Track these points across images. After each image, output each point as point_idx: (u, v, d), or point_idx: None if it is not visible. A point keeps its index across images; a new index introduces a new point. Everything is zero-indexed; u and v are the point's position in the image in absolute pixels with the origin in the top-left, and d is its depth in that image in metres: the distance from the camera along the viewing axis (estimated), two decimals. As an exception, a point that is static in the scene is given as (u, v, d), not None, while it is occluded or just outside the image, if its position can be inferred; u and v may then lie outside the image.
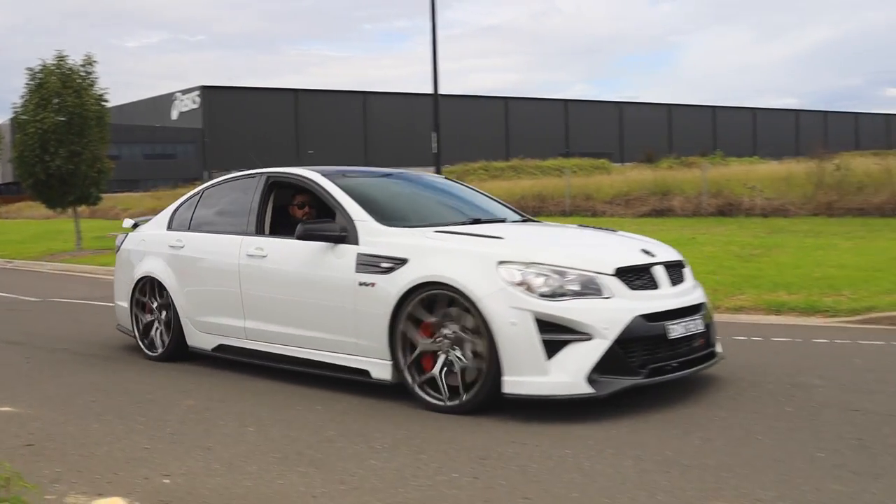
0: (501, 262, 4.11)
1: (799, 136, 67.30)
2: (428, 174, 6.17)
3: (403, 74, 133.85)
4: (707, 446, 3.58)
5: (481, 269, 4.12)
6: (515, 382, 3.94)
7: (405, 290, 4.30)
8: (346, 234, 4.75)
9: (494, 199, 5.98)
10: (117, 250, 6.70)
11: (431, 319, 4.25)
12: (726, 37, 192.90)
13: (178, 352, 5.90)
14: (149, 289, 6.10)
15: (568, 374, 3.90)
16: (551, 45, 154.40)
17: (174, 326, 5.87)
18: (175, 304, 5.83)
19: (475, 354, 4.10)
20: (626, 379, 3.99)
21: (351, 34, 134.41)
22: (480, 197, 5.96)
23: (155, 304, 6.05)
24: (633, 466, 3.33)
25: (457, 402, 4.17)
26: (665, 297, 4.30)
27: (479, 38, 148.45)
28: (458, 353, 4.16)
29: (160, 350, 6.01)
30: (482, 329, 4.02)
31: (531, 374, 3.92)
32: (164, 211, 6.46)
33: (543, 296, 3.99)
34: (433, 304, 4.26)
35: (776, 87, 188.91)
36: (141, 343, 6.18)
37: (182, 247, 5.89)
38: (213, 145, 55.76)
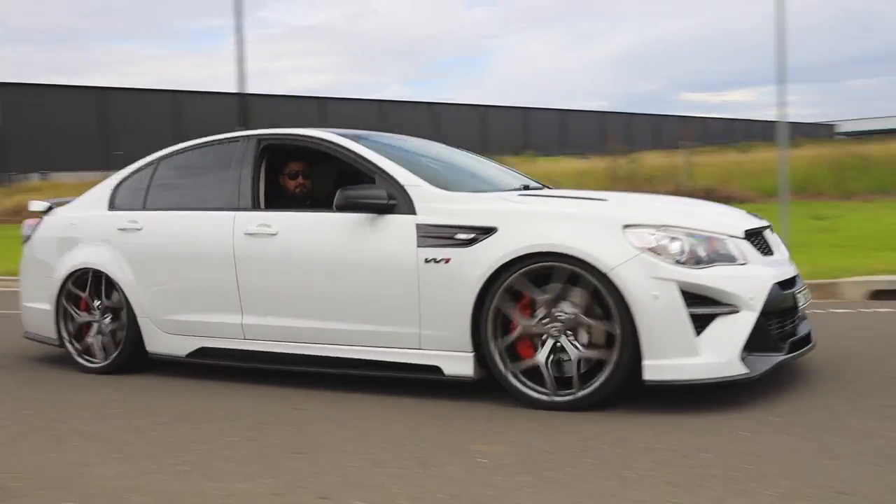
0: (628, 226, 3.48)
1: (604, 135, 71.44)
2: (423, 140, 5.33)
3: (219, 74, 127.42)
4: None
5: (605, 234, 3.48)
6: (658, 367, 3.34)
7: (501, 263, 3.57)
8: (395, 202, 3.93)
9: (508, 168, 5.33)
10: (26, 240, 5.31)
11: (537, 297, 3.56)
12: (538, 41, 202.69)
13: (132, 360, 4.74)
14: (88, 284, 4.86)
15: (720, 353, 3.35)
16: (368, 47, 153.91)
17: (129, 329, 4.70)
18: (130, 300, 4.67)
19: (599, 337, 3.47)
20: (774, 356, 3.49)
21: (162, 32, 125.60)
22: (494, 165, 5.28)
23: (97, 303, 4.82)
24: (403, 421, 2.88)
25: (569, 396, 3.50)
26: (780, 263, 3.89)
27: (296, 38, 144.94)
28: (572, 338, 3.51)
29: (103, 359, 4.81)
30: (613, 305, 3.38)
31: (678, 355, 3.33)
32: (97, 188, 5.19)
33: (680, 263, 3.42)
34: (536, 279, 3.57)
35: (584, 90, 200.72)
36: (74, 352, 4.92)
37: (139, 229, 4.72)
38: (13, 145, 49.83)
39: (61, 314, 4.94)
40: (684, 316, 3.34)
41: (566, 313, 3.51)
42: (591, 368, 3.50)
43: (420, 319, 3.80)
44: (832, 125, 66.28)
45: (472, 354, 3.69)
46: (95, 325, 4.88)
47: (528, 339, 3.60)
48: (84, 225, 4.99)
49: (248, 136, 4.65)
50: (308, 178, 4.72)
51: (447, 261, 3.72)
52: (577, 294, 3.49)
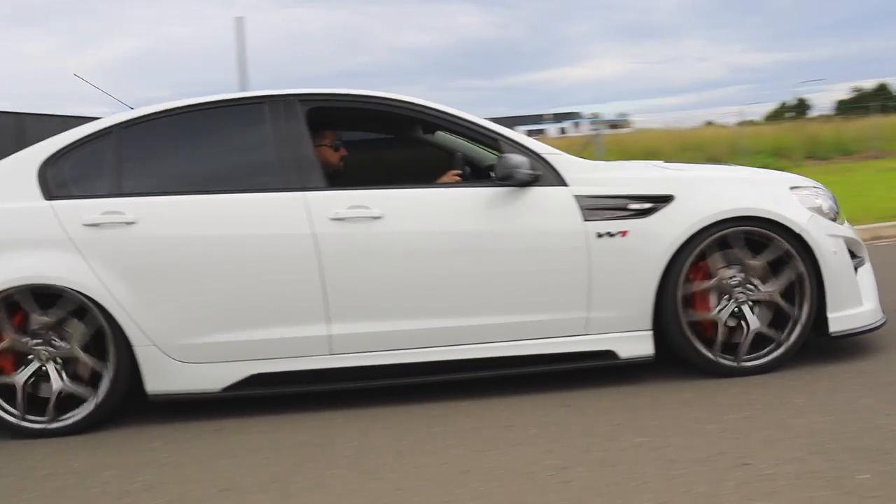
0: (794, 188, 3.56)
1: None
2: None
3: None
4: None
5: (780, 196, 3.49)
6: (839, 319, 3.46)
7: (692, 231, 3.37)
8: (540, 173, 3.42)
9: None
10: None
11: (719, 265, 3.45)
12: (34, 41, 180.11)
13: (112, 408, 3.36)
14: (29, 307, 3.28)
15: (871, 300, 3.60)
16: None
17: (118, 365, 3.30)
18: (121, 324, 3.28)
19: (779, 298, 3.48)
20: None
21: None
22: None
23: (51, 338, 3.32)
24: None
25: (770, 356, 3.45)
26: None
27: None
28: (747, 301, 3.47)
29: (57, 417, 3.34)
30: (803, 265, 3.44)
31: (850, 306, 3.49)
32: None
33: (832, 220, 3.60)
34: (722, 245, 3.45)
35: (88, 96, 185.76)
36: (7, 413, 3.30)
37: (130, 223, 3.31)
38: None
39: None
40: (852, 269, 3.56)
41: (739, 276, 3.46)
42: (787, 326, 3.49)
43: (589, 301, 3.39)
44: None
45: (650, 332, 3.44)
46: (45, 369, 3.32)
47: (706, 307, 3.48)
48: (6, 221, 3.32)
49: (281, 96, 3.54)
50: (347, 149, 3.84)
51: (624, 234, 3.38)
52: (762, 256, 3.46)
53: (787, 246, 3.41)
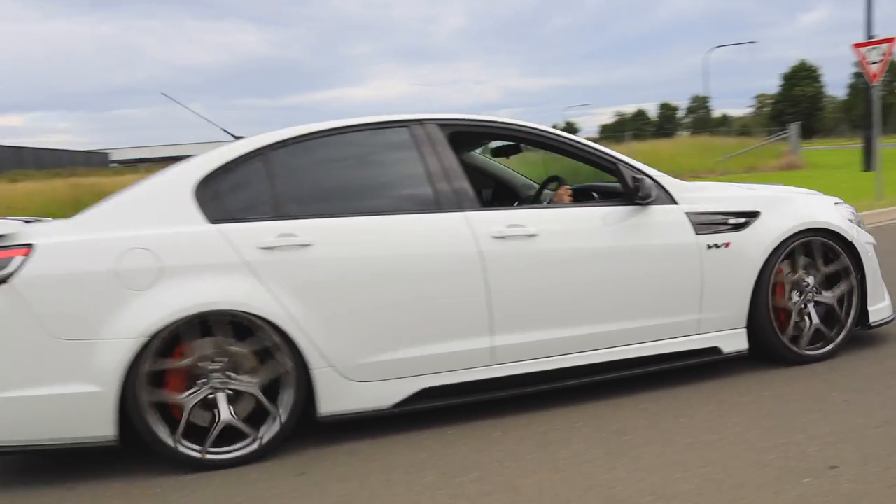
0: (837, 203, 4.31)
1: None
2: None
3: None
4: None
5: (831, 210, 4.22)
6: (875, 311, 4.25)
7: (779, 241, 3.98)
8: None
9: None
10: (5, 278, 3.04)
11: (797, 271, 4.10)
12: None
13: (286, 433, 3.35)
14: (213, 334, 3.18)
15: (887, 297, 4.46)
16: None
17: (298, 389, 3.29)
18: (301, 347, 3.27)
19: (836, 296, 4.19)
20: None
21: None
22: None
23: (225, 364, 3.26)
24: None
25: (826, 348, 4.13)
26: None
27: None
28: (813, 297, 4.16)
29: (253, 441, 3.29)
30: (853, 269, 4.17)
31: (879, 300, 4.31)
32: (146, 194, 3.39)
33: (860, 229, 4.39)
34: (793, 253, 4.10)
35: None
36: (188, 448, 3.17)
37: (305, 245, 3.30)
38: None
39: (140, 391, 3.09)
40: (879, 269, 4.38)
41: (810, 278, 4.14)
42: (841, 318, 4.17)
43: (701, 304, 3.89)
44: (106, 153, 66.12)
45: (745, 329, 4.00)
46: (212, 397, 3.23)
47: (782, 309, 4.10)
48: (171, 248, 3.17)
49: (416, 120, 3.72)
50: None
51: (727, 245, 3.92)
52: (817, 263, 4.15)
53: (841, 252, 4.14)
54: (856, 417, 3.30)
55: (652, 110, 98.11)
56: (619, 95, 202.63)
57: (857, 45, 12.49)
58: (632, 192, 3.79)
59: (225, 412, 3.25)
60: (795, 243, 4.04)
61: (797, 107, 51.46)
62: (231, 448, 3.25)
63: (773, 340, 4.01)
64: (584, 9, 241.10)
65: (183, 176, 3.37)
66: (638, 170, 3.89)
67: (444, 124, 3.74)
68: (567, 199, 4.13)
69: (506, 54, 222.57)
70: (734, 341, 3.97)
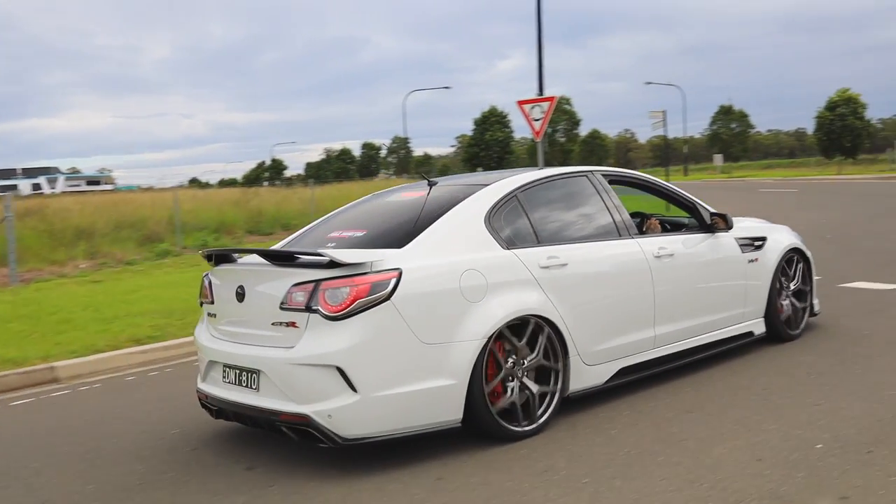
0: (791, 230, 6.29)
1: None
2: None
3: None
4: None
5: (794, 236, 6.19)
6: (816, 303, 6.29)
7: (780, 256, 5.84)
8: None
9: None
10: (387, 297, 3.70)
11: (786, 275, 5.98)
12: None
13: (557, 410, 4.38)
14: (521, 335, 4.15)
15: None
16: None
17: (564, 375, 4.34)
18: (566, 341, 4.34)
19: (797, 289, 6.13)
20: None
21: None
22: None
23: (528, 356, 4.22)
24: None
25: (803, 324, 6.02)
26: None
27: None
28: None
29: (533, 420, 4.21)
30: (806, 272, 6.16)
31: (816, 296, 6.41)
32: (450, 225, 4.20)
33: None
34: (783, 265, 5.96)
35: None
36: (500, 422, 4.06)
37: (564, 265, 4.37)
38: None
39: (479, 383, 3.94)
40: None
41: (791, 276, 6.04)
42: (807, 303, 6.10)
43: (745, 300, 5.59)
44: None
45: (763, 318, 5.78)
46: (515, 383, 4.14)
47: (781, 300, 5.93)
48: (491, 270, 4.05)
49: (586, 171, 5.06)
50: None
51: (756, 260, 5.69)
52: (790, 271, 6.06)
53: (803, 261, 6.14)
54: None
55: (356, 149, 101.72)
56: (329, 132, 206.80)
57: (521, 103, 12.80)
58: (708, 226, 5.42)
59: (535, 389, 4.19)
60: (784, 258, 5.94)
61: (489, 150, 56.27)
62: (524, 423, 4.15)
63: (778, 325, 5.84)
64: (293, 46, 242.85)
65: (474, 211, 4.28)
66: (708, 209, 5.50)
67: (604, 174, 5.10)
68: (657, 228, 5.58)
69: (214, 88, 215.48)
70: (759, 327, 5.73)
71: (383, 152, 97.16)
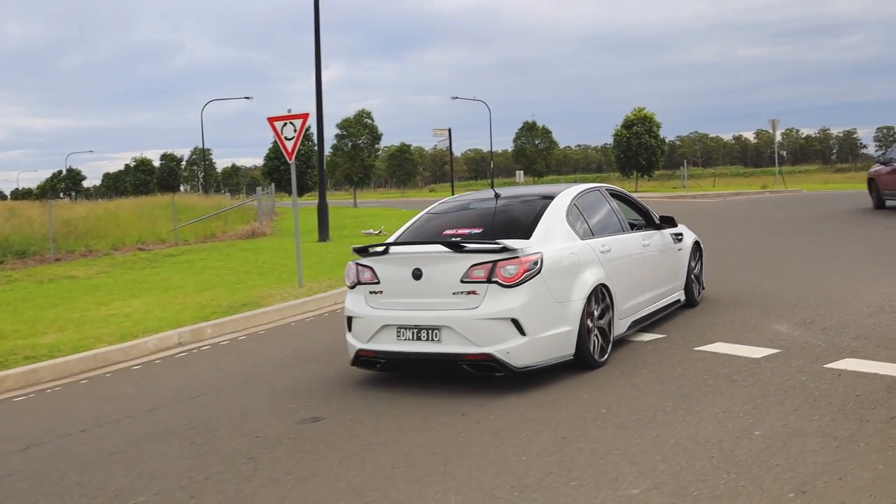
0: (687, 229, 9.07)
1: None
2: None
3: None
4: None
5: (693, 233, 8.98)
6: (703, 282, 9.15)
7: (691, 246, 8.68)
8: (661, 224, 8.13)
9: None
10: (539, 271, 5.82)
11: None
12: None
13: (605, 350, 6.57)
14: (597, 298, 6.36)
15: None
16: None
17: (611, 325, 6.57)
18: (614, 303, 6.61)
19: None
20: None
21: None
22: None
23: (597, 312, 6.37)
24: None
25: (702, 293, 8.85)
26: None
27: None
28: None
29: (601, 356, 6.34)
30: (700, 258, 8.97)
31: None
32: (548, 224, 6.30)
33: None
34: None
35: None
36: (592, 355, 6.21)
37: (609, 250, 6.71)
38: None
39: (584, 329, 6.06)
40: None
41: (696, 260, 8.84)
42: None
43: (677, 276, 8.27)
44: None
45: (683, 290, 8.46)
46: (595, 332, 6.31)
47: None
48: (580, 254, 6.28)
49: (597, 188, 7.51)
50: None
51: (681, 249, 8.42)
52: (696, 256, 8.93)
53: (699, 251, 8.97)
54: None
55: (156, 160, 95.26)
56: (136, 140, 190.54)
57: (272, 120, 11.58)
58: (658, 225, 8.03)
59: (619, 331, 6.51)
60: (693, 248, 8.72)
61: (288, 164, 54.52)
62: (601, 358, 6.28)
63: (690, 296, 8.56)
64: (100, 49, 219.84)
65: (558, 214, 6.45)
66: (656, 214, 8.09)
67: (607, 189, 7.57)
68: None
69: (12, 90, 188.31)
70: (682, 297, 8.43)
71: (182, 164, 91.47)
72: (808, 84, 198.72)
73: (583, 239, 6.46)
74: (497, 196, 7.04)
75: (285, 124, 11.62)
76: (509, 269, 5.66)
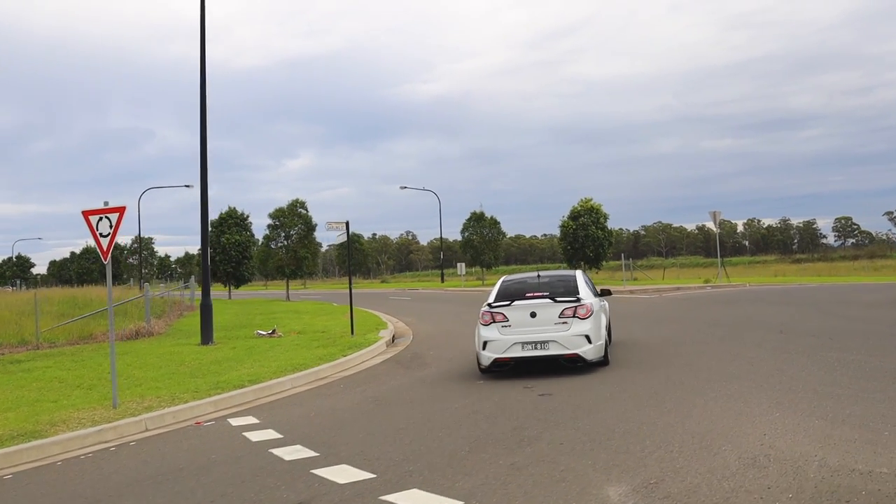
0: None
1: None
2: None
3: None
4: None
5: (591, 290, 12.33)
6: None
7: (604, 298, 13.45)
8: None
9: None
10: (594, 311, 11.28)
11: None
12: None
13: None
14: (607, 327, 12.26)
15: None
16: None
17: (608, 341, 12.34)
18: (609, 329, 13.20)
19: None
20: None
21: None
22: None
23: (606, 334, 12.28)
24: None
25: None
26: None
27: None
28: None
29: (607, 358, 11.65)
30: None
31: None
32: (583, 288, 11.66)
33: None
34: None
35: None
36: (608, 357, 11.78)
37: (603, 304, 12.81)
38: None
39: (606, 342, 11.93)
40: None
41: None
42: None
43: (602, 330, 11.65)
44: None
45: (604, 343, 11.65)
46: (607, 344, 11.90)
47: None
48: (599, 303, 12.08)
49: (580, 270, 13.02)
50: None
51: (605, 304, 13.01)
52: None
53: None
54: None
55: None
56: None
57: (86, 213, 10.00)
58: (599, 294, 12.95)
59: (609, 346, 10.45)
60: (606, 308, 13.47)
61: (227, 253, 52.26)
62: (608, 360, 11.73)
63: (607, 345, 12.01)
64: (71, 136, 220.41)
65: (582, 282, 11.93)
66: (597, 288, 13.47)
67: (583, 270, 11.41)
68: None
69: None
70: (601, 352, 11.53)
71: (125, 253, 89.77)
72: (770, 175, 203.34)
73: (595, 296, 12.07)
74: (539, 276, 12.20)
75: (101, 218, 10.06)
76: (582, 310, 10.97)
